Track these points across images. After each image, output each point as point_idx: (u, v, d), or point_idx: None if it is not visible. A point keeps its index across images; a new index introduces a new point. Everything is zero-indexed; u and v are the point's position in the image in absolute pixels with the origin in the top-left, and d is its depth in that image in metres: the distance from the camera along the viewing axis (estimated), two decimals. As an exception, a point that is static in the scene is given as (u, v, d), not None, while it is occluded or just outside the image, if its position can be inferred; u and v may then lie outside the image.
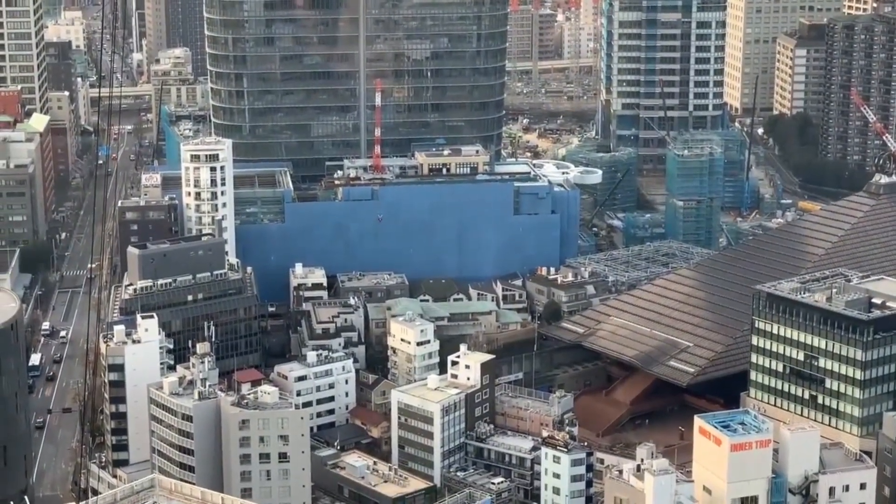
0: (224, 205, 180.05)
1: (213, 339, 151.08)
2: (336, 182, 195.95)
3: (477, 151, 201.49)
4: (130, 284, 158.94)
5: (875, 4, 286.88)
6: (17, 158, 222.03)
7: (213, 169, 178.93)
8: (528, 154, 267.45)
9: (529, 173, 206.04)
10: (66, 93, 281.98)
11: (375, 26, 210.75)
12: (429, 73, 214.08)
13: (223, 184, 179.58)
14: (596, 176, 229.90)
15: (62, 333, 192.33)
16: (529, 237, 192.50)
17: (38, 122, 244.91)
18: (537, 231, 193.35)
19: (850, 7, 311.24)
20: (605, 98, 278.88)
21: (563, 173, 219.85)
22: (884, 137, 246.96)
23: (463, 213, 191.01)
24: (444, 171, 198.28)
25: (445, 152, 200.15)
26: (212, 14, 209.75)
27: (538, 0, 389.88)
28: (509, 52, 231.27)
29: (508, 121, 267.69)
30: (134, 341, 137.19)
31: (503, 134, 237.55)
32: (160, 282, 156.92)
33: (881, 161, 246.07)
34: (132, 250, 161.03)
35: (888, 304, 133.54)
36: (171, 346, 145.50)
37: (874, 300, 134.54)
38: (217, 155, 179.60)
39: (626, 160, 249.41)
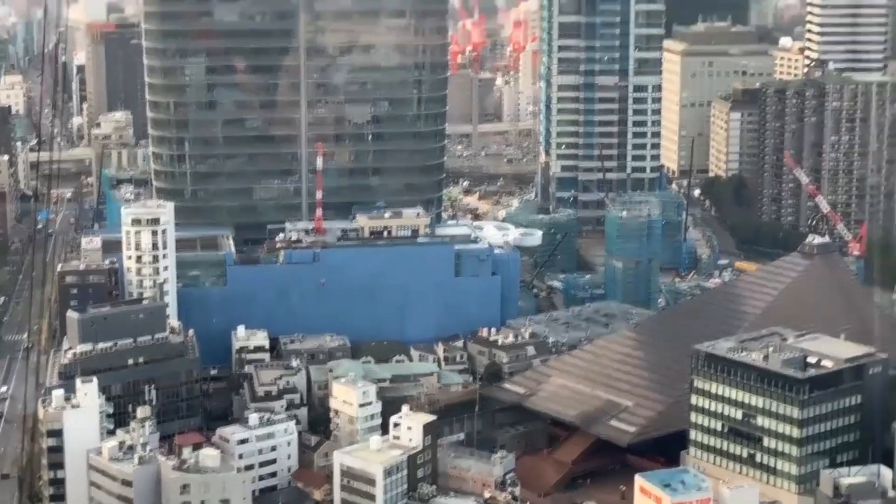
0: (165, 268, 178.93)
1: (154, 403, 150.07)
2: (278, 245, 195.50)
3: (418, 214, 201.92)
4: (70, 348, 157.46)
5: (806, 70, 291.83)
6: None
7: (154, 232, 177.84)
8: (469, 216, 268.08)
9: (470, 235, 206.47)
10: (6, 157, 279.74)
11: (316, 90, 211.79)
12: (370, 137, 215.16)
13: (164, 247, 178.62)
14: (536, 238, 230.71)
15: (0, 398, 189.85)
16: (470, 299, 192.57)
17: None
18: (478, 293, 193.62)
19: (782, 72, 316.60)
20: (545, 160, 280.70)
21: (504, 235, 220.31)
22: (816, 199, 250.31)
23: (404, 275, 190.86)
24: (386, 233, 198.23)
25: (387, 215, 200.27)
26: (153, 79, 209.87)
27: (477, 64, 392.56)
28: (449, 116, 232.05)
29: (449, 183, 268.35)
30: (73, 406, 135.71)
31: (444, 196, 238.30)
32: (100, 346, 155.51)
33: (814, 222, 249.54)
34: (72, 314, 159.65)
35: (823, 362, 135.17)
36: (111, 411, 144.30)
37: (809, 359, 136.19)
38: (158, 219, 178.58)
39: (566, 222, 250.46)
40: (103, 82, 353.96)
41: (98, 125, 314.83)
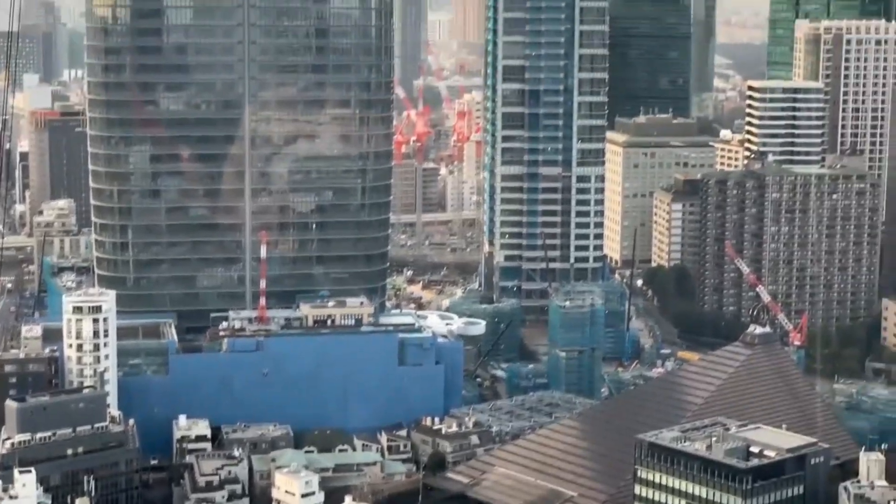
0: (107, 356, 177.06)
1: (93, 494, 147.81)
2: (221, 333, 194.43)
3: (361, 303, 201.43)
4: (8, 438, 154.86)
5: (746, 161, 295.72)
6: None
7: (95, 321, 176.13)
8: (413, 305, 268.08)
9: (414, 324, 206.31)
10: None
11: (261, 179, 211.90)
12: (314, 226, 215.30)
13: (106, 335, 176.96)
14: (479, 327, 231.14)
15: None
16: (414, 388, 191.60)
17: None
18: (421, 382, 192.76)
19: (722, 164, 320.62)
20: (488, 250, 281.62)
21: (447, 324, 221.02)
22: (757, 289, 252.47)
23: (348, 364, 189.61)
24: (329, 322, 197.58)
25: (330, 304, 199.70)
26: (97, 166, 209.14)
27: (422, 154, 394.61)
28: (393, 205, 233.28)
29: (393, 272, 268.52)
30: (11, 497, 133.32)
31: (388, 285, 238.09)
32: (39, 435, 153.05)
33: (755, 312, 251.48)
34: (10, 403, 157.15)
35: (766, 452, 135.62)
36: (50, 502, 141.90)
37: (752, 448, 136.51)
38: (100, 307, 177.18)
39: (509, 311, 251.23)
40: (46, 170, 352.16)
41: (40, 213, 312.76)
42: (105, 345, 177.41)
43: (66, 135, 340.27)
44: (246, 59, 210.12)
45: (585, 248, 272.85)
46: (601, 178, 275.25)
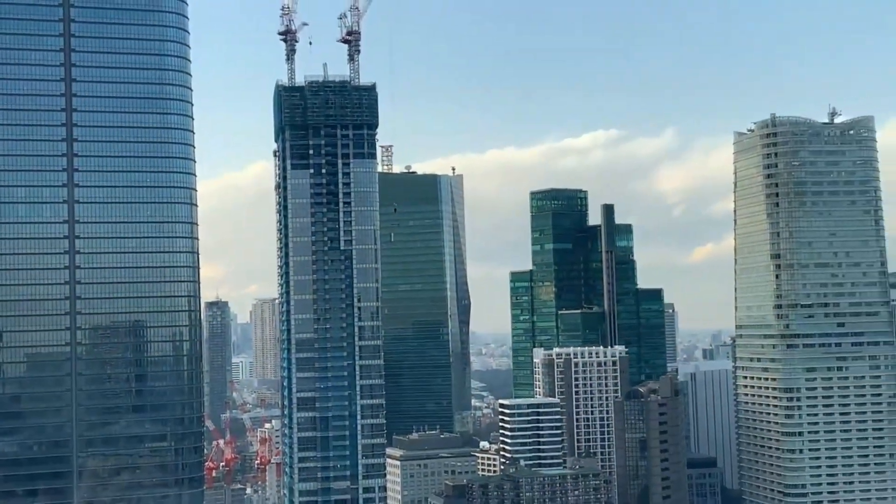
0: None
1: None
2: None
3: None
4: None
5: (502, 467, 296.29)
6: None
7: None
8: None
9: None
10: None
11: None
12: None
13: None
14: None
15: None
16: None
17: None
18: None
19: (484, 470, 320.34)
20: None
21: None
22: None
23: None
24: None
25: None
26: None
27: (230, 477, 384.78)
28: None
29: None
30: None
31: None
32: None
33: None
34: None
35: None
36: None
37: None
38: None
39: None
40: None
41: None
42: None
43: None
44: (73, 404, 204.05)
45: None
46: (384, 489, 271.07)
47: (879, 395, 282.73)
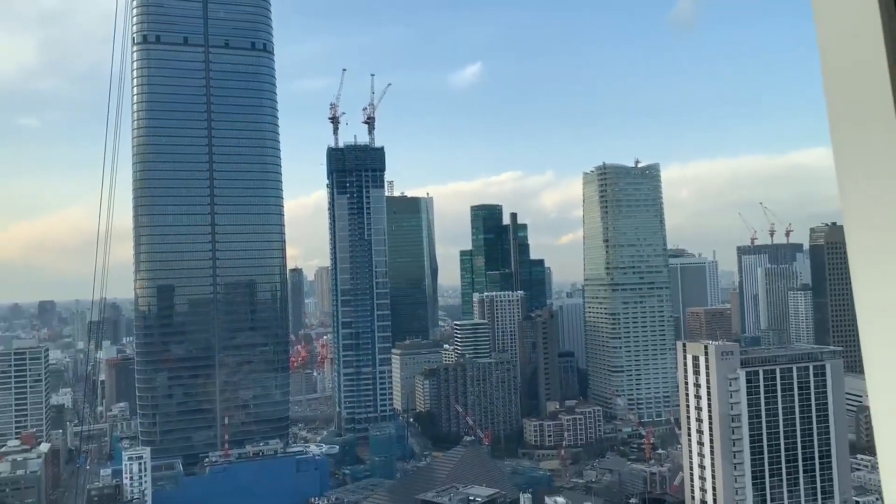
0: (145, 481, 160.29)
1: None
2: (205, 464, 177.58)
3: (276, 442, 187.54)
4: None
5: (459, 358, 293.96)
6: None
7: (140, 465, 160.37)
8: (302, 440, 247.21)
9: (302, 451, 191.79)
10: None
11: (225, 385, 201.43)
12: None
13: (145, 471, 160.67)
14: (335, 449, 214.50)
15: None
16: (303, 482, 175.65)
17: None
18: (306, 479, 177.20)
19: (447, 361, 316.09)
20: (338, 410, 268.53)
21: (320, 448, 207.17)
22: (468, 420, 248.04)
23: (270, 474, 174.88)
24: (261, 453, 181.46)
25: (262, 444, 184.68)
26: (141, 385, 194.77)
27: (304, 364, 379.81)
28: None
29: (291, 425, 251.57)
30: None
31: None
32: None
33: (468, 431, 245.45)
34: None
35: (477, 498, 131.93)
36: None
37: (469, 496, 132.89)
38: (142, 456, 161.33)
39: (350, 440, 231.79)
40: (113, 388, 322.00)
41: (110, 410, 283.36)
42: (144, 477, 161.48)
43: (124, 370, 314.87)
44: (216, 326, 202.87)
45: (385, 404, 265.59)
46: (390, 372, 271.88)
47: (662, 315, 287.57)
